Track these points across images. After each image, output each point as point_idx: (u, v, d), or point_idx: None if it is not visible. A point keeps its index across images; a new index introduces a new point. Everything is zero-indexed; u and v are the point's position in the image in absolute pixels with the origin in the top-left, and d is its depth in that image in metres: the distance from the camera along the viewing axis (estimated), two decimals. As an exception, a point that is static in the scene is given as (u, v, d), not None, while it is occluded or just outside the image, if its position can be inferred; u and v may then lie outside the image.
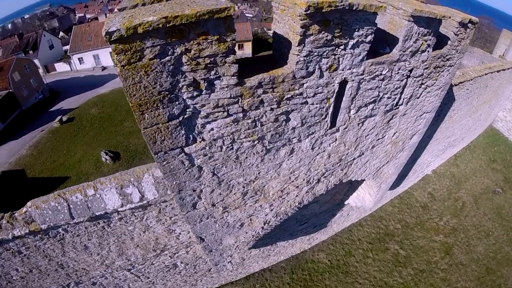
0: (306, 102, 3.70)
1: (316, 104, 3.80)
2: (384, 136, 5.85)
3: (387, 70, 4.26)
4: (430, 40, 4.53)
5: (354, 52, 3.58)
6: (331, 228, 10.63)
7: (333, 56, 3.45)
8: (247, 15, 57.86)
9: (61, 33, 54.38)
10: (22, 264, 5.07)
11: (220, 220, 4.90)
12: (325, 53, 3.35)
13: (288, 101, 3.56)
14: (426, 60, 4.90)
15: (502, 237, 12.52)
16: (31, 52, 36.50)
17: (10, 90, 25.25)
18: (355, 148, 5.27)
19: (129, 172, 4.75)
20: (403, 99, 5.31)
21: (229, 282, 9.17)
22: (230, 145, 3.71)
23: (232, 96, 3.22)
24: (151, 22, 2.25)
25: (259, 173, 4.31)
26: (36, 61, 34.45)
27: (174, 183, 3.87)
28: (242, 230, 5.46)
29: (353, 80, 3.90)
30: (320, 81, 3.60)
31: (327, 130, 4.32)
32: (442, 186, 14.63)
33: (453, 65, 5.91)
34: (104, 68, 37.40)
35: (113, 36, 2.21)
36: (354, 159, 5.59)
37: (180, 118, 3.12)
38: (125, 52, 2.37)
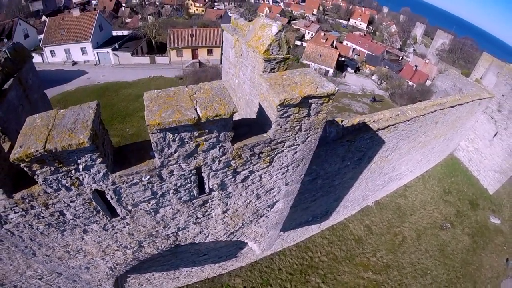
0: (69, 205, 5.06)
1: (79, 206, 5.12)
2: (209, 214, 6.69)
3: (148, 177, 5.03)
4: (215, 137, 4.77)
5: (91, 171, 4.50)
6: (246, 257, 11.41)
7: (69, 178, 4.51)
8: (230, 15, 55.51)
9: (44, 17, 52.03)
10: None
11: (63, 264, 6.66)
12: (60, 177, 4.43)
13: (53, 205, 5.00)
14: (224, 155, 5.28)
15: (441, 277, 11.61)
16: (5, 40, 34.54)
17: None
18: (165, 227, 6.33)
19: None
20: (211, 188, 6.00)
21: (142, 295, 11.05)
22: (29, 226, 5.37)
23: (10, 203, 4.85)
24: None
25: (67, 242, 5.89)
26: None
27: (9, 242, 5.75)
28: (91, 271, 7.13)
29: (107, 189, 4.96)
30: (71, 193, 4.85)
31: (110, 219, 5.58)
32: (383, 219, 13.91)
33: (299, 144, 6.14)
34: (74, 63, 37.15)
35: None
36: (175, 232, 6.63)
37: (-13, 210, 4.92)
38: None
